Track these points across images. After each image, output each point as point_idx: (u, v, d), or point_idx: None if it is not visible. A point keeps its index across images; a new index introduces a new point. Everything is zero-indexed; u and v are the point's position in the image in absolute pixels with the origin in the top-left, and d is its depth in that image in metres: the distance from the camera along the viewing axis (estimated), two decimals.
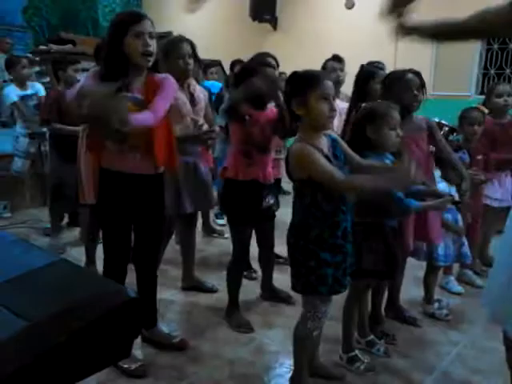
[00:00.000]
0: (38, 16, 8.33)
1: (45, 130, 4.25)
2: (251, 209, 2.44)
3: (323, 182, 1.70)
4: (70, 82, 3.48)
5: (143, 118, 1.86)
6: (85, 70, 2.98)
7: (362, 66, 2.89)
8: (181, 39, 2.58)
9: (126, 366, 2.07)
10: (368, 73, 2.79)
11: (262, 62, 2.54)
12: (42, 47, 6.21)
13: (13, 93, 4.14)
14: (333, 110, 1.72)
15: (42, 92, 4.33)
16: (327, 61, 3.43)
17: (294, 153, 1.75)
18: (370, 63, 3.09)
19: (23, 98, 4.17)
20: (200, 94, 2.71)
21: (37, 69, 6.60)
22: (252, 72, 2.38)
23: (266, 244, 2.73)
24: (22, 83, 4.18)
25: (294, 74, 1.78)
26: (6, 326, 0.76)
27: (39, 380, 0.75)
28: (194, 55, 2.60)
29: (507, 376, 1.59)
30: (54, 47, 5.53)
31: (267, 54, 2.80)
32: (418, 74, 2.36)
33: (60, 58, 3.89)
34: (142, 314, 0.89)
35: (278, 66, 3.01)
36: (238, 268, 2.61)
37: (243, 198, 2.42)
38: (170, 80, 2.03)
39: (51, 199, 3.72)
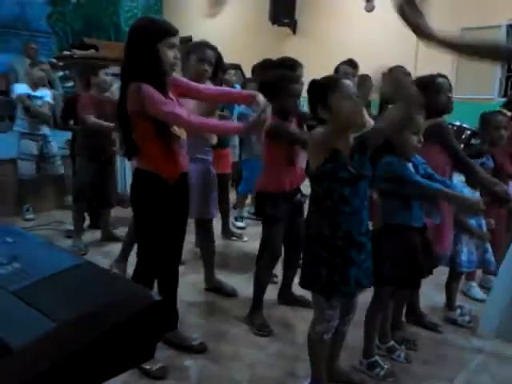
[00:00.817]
0: (61, 22, 8.51)
1: (47, 131, 4.35)
2: (288, 209, 2.52)
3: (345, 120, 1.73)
4: (103, 87, 3.57)
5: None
6: (115, 74, 3.06)
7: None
8: (207, 44, 2.62)
9: (147, 367, 2.09)
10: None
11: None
12: (66, 52, 6.33)
13: (21, 89, 4.27)
14: (357, 107, 1.75)
15: (49, 98, 4.44)
16: (340, 64, 3.42)
17: (310, 141, 1.81)
18: (392, 68, 3.07)
19: (30, 96, 4.27)
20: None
21: (60, 73, 6.75)
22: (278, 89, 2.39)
23: (296, 242, 2.70)
24: (34, 85, 4.30)
25: (313, 81, 1.81)
26: (34, 326, 0.78)
27: (65, 381, 0.76)
28: (217, 63, 2.63)
29: None
30: (78, 52, 5.62)
31: (298, 65, 2.83)
32: (445, 77, 2.39)
33: (89, 64, 4.00)
34: (165, 316, 0.90)
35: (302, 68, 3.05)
36: (269, 269, 2.65)
37: (284, 202, 2.49)
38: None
39: (75, 200, 3.78)
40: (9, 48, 7.78)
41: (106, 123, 3.49)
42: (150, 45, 1.89)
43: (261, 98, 2.03)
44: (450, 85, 2.41)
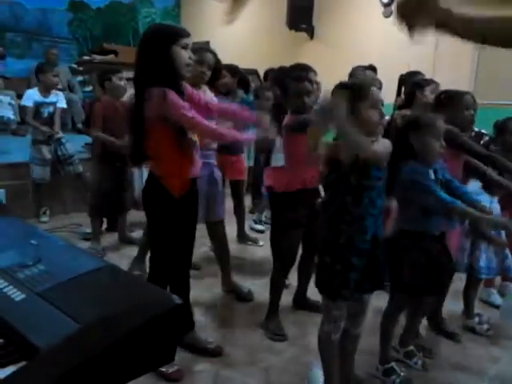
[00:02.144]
0: (82, 28, 8.67)
1: (60, 135, 4.42)
2: (306, 211, 2.48)
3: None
4: (117, 92, 3.60)
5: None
6: (129, 79, 3.09)
7: (403, 76, 2.88)
8: (207, 48, 2.66)
9: (163, 369, 2.10)
10: (417, 84, 2.79)
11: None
12: (86, 57, 6.45)
13: (31, 97, 4.33)
14: (382, 117, 1.74)
15: (63, 103, 4.50)
16: (365, 68, 3.37)
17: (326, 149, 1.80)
18: (411, 73, 3.07)
19: (39, 104, 4.33)
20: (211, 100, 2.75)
21: (80, 78, 6.87)
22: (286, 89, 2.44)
23: (312, 246, 2.69)
24: (46, 90, 4.36)
25: (342, 85, 1.79)
26: (59, 328, 0.80)
27: (88, 382, 0.78)
28: (216, 68, 2.66)
29: None
30: (97, 57, 5.73)
31: (309, 69, 2.84)
32: (472, 95, 2.43)
33: (104, 69, 4.03)
34: (185, 319, 0.91)
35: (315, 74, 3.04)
36: (284, 274, 2.65)
37: (299, 205, 2.47)
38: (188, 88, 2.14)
39: (92, 204, 3.83)
40: (31, 54, 7.94)
41: (109, 138, 3.54)
42: (164, 48, 1.92)
43: (266, 119, 2.05)
44: (475, 102, 2.43)
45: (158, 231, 2.15)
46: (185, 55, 1.95)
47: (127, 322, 0.81)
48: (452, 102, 2.39)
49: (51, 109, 4.39)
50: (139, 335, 0.83)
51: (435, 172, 2.08)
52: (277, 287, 2.63)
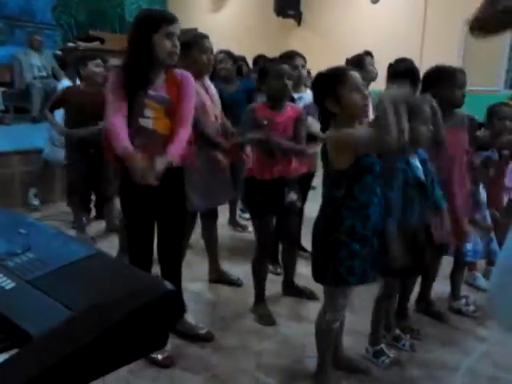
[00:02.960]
0: (66, 14, 8.51)
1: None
2: (272, 202, 2.49)
3: (370, 148, 1.73)
4: (92, 79, 3.48)
5: (175, 151, 1.99)
6: (116, 67, 3.03)
7: (391, 64, 2.86)
8: (205, 35, 2.63)
9: (154, 355, 2.12)
10: (410, 71, 2.76)
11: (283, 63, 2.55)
12: (70, 44, 6.35)
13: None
14: (365, 98, 1.74)
15: None
16: (365, 55, 3.34)
17: (328, 137, 1.77)
18: (398, 61, 3.06)
19: None
20: (213, 89, 2.72)
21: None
22: (267, 72, 2.42)
23: (288, 239, 2.73)
24: (73, 80, 4.32)
25: (320, 74, 1.81)
26: (51, 315, 0.80)
27: (81, 369, 0.78)
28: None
29: None
30: (82, 44, 5.64)
31: (295, 54, 2.83)
32: (463, 72, 2.40)
33: (81, 55, 3.93)
34: (177, 305, 0.92)
35: (305, 62, 3.03)
36: (261, 261, 2.64)
37: (265, 194, 2.47)
38: (189, 80, 2.10)
39: (68, 193, 3.76)
40: (14, 40, 7.79)
41: (55, 121, 3.53)
42: (145, 36, 1.92)
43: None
44: (465, 81, 2.38)
45: (127, 217, 2.19)
46: (167, 44, 1.93)
47: (120, 309, 0.81)
48: (443, 79, 2.34)
49: None
50: (132, 321, 0.83)
51: (425, 161, 2.09)
52: (257, 273, 2.65)
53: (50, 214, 4.30)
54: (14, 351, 0.76)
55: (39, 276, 0.91)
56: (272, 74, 2.39)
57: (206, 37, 2.61)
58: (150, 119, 2.02)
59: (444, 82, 2.33)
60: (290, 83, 2.40)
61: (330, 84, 1.74)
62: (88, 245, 1.13)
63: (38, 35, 6.89)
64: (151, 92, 1.99)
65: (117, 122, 1.94)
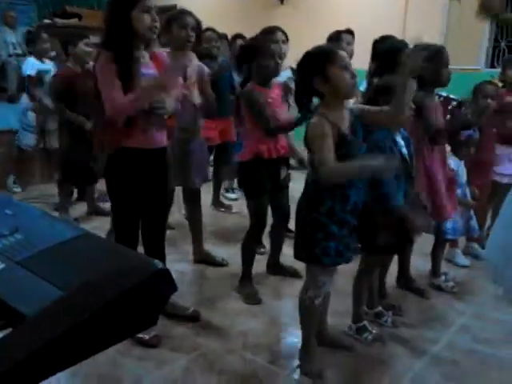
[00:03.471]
0: None
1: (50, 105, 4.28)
2: (271, 180, 2.53)
3: (316, 164, 1.74)
4: (82, 59, 3.47)
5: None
6: (96, 44, 2.99)
7: (376, 40, 2.84)
8: (186, 11, 2.59)
9: (141, 335, 2.12)
10: (396, 48, 2.74)
11: (267, 39, 2.54)
12: (47, 21, 6.16)
13: (31, 66, 4.18)
14: (354, 76, 1.74)
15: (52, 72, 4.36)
16: (342, 32, 3.34)
17: (311, 126, 1.77)
18: (383, 38, 3.05)
19: (40, 72, 4.19)
20: (193, 68, 2.68)
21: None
22: (256, 50, 2.40)
23: (282, 215, 2.74)
24: (40, 57, 4.22)
25: (308, 53, 1.79)
26: (43, 295, 0.80)
27: (75, 347, 0.79)
28: (198, 31, 2.61)
29: None
30: (60, 21, 5.49)
31: (276, 28, 2.79)
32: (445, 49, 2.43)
33: (70, 33, 3.89)
34: (168, 284, 0.93)
35: (287, 39, 3.00)
36: (254, 240, 2.68)
37: (262, 174, 2.50)
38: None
39: (61, 176, 3.76)
40: None
41: (71, 114, 3.49)
42: (123, 13, 1.89)
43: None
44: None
45: (112, 196, 2.17)
46: (146, 19, 1.91)
47: (111, 288, 0.81)
48: (431, 58, 2.29)
49: (48, 77, 4.24)
50: (123, 300, 0.83)
51: (408, 141, 2.12)
52: (247, 252, 2.67)
53: (31, 197, 4.23)
54: (7, 331, 0.76)
55: (29, 257, 0.90)
56: (264, 53, 2.39)
57: (188, 13, 2.57)
58: None
59: (431, 61, 2.32)
60: (280, 62, 2.42)
61: (319, 63, 1.73)
62: (75, 225, 1.12)
63: (12, 11, 6.67)
64: (143, 70, 1.97)
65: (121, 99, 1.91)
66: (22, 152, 4.41)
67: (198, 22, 2.67)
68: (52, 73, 4.18)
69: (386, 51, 2.74)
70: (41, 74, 4.18)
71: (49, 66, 4.30)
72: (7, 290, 0.82)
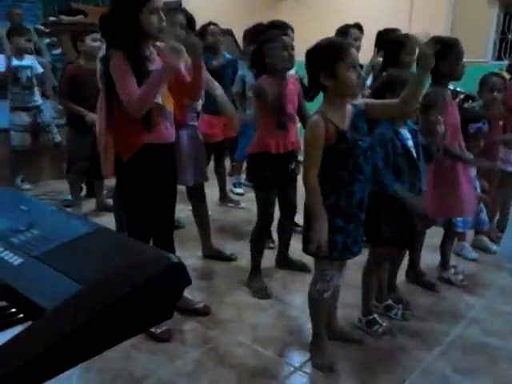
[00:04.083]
0: None
1: (39, 102, 4.31)
2: (280, 174, 2.54)
3: (304, 167, 1.79)
4: (91, 54, 3.48)
5: None
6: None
7: (380, 32, 2.83)
8: (176, 8, 2.59)
9: (152, 330, 2.14)
10: (398, 42, 2.72)
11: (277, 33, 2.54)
12: (52, 18, 6.17)
13: (1, 62, 4.21)
14: (359, 77, 1.74)
15: (39, 69, 4.36)
16: (350, 27, 3.32)
17: (308, 125, 1.80)
18: (387, 30, 3.04)
19: (16, 68, 4.18)
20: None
21: (47, 40, 6.57)
22: (269, 43, 2.41)
23: (289, 209, 2.74)
24: (19, 53, 4.22)
25: (318, 45, 1.78)
26: (61, 289, 0.81)
27: (93, 339, 0.80)
28: (191, 27, 2.61)
29: None
30: (65, 18, 5.49)
31: (282, 22, 2.80)
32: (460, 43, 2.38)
33: (77, 29, 3.91)
34: (183, 277, 0.94)
35: (293, 33, 3.01)
36: (263, 233, 2.70)
37: (269, 168, 2.51)
38: None
39: (66, 171, 3.81)
40: None
41: (79, 109, 3.51)
42: (131, 15, 1.89)
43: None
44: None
45: (125, 194, 2.17)
46: (153, 20, 1.92)
47: (128, 281, 0.82)
48: (446, 52, 2.30)
49: (29, 73, 4.25)
50: (139, 293, 0.84)
51: (415, 133, 2.11)
52: (256, 246, 2.68)
53: (40, 193, 4.26)
54: (28, 323, 0.77)
55: (46, 251, 0.91)
56: (277, 47, 2.39)
57: (178, 10, 2.58)
58: (159, 95, 2.01)
59: (447, 54, 2.30)
60: (293, 53, 2.43)
61: (329, 57, 1.72)
62: (89, 221, 1.13)
63: (18, 8, 6.67)
64: (153, 66, 1.98)
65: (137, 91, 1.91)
66: (30, 149, 4.43)
67: (190, 18, 2.67)
68: (35, 69, 4.23)
69: (390, 44, 2.73)
70: (14, 71, 4.19)
71: (28, 62, 4.29)
72: (26, 284, 0.83)
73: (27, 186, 4.47)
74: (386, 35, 3.12)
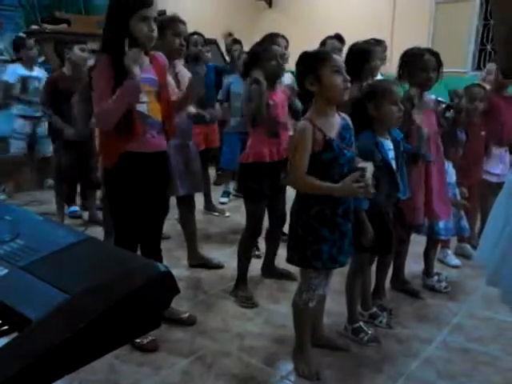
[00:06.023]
0: None
1: (39, 113, 4.28)
2: (272, 183, 2.54)
3: (290, 170, 1.81)
4: (75, 63, 3.47)
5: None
6: (93, 51, 3.00)
7: (352, 45, 2.86)
8: (179, 19, 2.60)
9: (138, 340, 2.12)
10: (363, 53, 2.73)
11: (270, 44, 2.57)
12: (35, 27, 6.13)
13: (13, 72, 4.17)
14: (346, 81, 1.76)
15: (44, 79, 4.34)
16: (328, 38, 3.40)
17: (296, 131, 1.82)
18: (367, 42, 3.08)
19: (26, 78, 4.17)
20: (184, 74, 2.69)
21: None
22: (259, 53, 2.43)
23: (278, 219, 2.76)
24: (29, 64, 4.21)
25: (305, 53, 1.82)
26: (48, 299, 0.80)
27: (81, 350, 0.79)
28: (185, 38, 2.63)
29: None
30: (49, 27, 5.46)
31: (278, 35, 2.84)
32: (436, 54, 2.38)
33: (64, 39, 3.90)
34: (171, 286, 0.94)
35: (287, 43, 3.06)
36: (251, 243, 2.70)
37: (263, 178, 2.51)
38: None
39: (55, 180, 3.77)
40: None
41: (60, 123, 3.51)
42: (121, 22, 1.91)
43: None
44: (440, 62, 2.37)
45: (109, 203, 2.18)
46: (143, 29, 1.92)
47: (116, 291, 0.82)
48: (413, 63, 2.36)
49: (36, 84, 4.23)
50: (127, 303, 0.84)
51: (398, 143, 2.14)
52: (243, 258, 2.68)
53: (22, 203, 4.21)
54: (14, 335, 0.76)
55: (32, 262, 0.90)
56: (266, 56, 2.41)
57: (181, 21, 2.58)
58: (145, 104, 2.01)
59: (412, 65, 2.37)
60: (282, 63, 2.47)
61: (312, 63, 1.77)
62: (75, 230, 1.12)
63: None
64: (143, 75, 1.96)
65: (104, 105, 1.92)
66: (10, 160, 4.40)
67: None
68: (42, 80, 4.19)
69: (352, 55, 2.70)
70: (23, 81, 4.19)
71: (37, 73, 4.29)
72: (12, 295, 0.82)
73: (2, 197, 4.43)
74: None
